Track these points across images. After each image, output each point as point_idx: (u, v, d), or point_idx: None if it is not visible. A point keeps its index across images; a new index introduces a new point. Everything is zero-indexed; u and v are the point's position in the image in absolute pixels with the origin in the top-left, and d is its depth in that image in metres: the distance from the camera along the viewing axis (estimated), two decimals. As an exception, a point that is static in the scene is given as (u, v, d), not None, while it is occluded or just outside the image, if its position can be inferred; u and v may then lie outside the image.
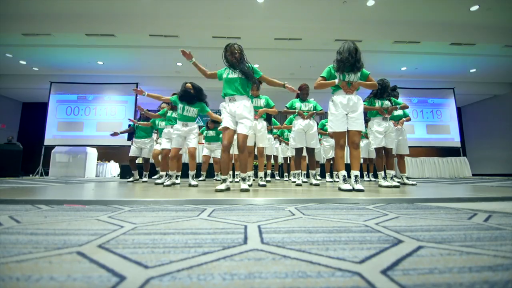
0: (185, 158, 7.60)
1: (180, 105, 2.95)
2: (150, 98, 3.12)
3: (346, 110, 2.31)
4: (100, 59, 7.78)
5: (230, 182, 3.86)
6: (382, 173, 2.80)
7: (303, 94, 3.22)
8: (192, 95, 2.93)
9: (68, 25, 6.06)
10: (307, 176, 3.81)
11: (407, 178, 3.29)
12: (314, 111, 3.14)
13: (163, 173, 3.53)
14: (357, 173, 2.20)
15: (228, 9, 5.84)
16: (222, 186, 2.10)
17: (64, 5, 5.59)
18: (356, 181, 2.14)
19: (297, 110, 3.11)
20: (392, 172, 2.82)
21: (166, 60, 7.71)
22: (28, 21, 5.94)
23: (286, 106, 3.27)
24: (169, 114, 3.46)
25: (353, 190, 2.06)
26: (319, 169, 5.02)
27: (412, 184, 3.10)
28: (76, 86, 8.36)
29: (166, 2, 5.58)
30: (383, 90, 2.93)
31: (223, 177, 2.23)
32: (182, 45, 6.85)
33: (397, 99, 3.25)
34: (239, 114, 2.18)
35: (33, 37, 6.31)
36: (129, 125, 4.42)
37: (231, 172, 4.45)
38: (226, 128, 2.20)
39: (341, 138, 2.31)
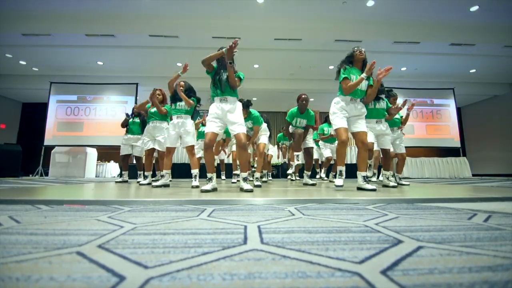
0: (179, 158, 7.63)
1: (172, 105, 2.88)
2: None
3: (350, 114, 2.34)
4: (100, 59, 7.77)
5: (233, 182, 3.85)
6: (387, 173, 2.80)
7: (301, 106, 3.11)
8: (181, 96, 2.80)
9: (68, 25, 6.05)
10: (301, 176, 3.85)
11: (400, 178, 3.30)
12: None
13: (164, 172, 3.45)
14: (365, 174, 2.22)
15: (228, 9, 5.84)
16: (208, 187, 2.08)
17: (64, 5, 5.59)
18: (365, 182, 2.16)
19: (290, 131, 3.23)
20: (389, 173, 2.83)
21: (166, 60, 7.72)
22: (28, 21, 5.94)
23: (286, 119, 3.25)
24: (151, 110, 3.35)
25: (365, 190, 2.08)
26: (325, 169, 5.05)
27: (405, 184, 3.10)
28: (76, 87, 8.35)
29: (166, 2, 5.58)
30: None
31: (209, 175, 2.20)
32: (182, 45, 6.86)
33: (393, 101, 3.21)
34: (231, 117, 2.16)
35: (33, 37, 6.31)
36: (126, 115, 4.32)
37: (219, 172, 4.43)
38: (208, 133, 2.18)
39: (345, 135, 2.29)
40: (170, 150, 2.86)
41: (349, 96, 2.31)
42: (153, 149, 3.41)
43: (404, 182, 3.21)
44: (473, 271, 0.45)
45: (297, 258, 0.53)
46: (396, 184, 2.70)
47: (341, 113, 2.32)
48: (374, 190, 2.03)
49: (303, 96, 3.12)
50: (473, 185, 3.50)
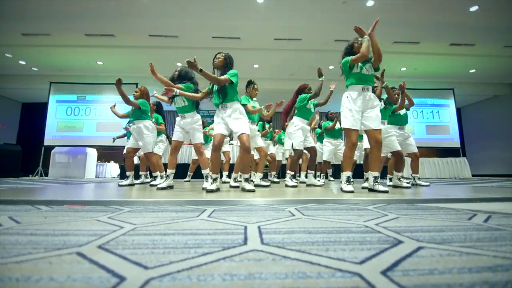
0: (179, 158, 7.59)
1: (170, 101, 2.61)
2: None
3: (362, 108, 2.15)
4: (99, 59, 7.77)
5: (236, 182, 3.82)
6: (399, 174, 2.80)
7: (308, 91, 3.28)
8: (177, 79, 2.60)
9: (67, 25, 6.05)
10: (305, 176, 3.79)
11: (419, 178, 3.27)
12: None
13: (169, 172, 3.25)
14: (377, 174, 2.12)
15: (228, 9, 5.84)
16: (213, 186, 2.10)
17: (64, 5, 5.59)
18: (377, 183, 2.07)
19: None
20: (400, 174, 2.81)
21: (166, 60, 7.71)
22: (28, 21, 5.94)
23: (296, 106, 3.31)
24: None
25: (376, 191, 2.02)
26: (330, 169, 4.97)
27: (424, 185, 3.08)
28: (76, 87, 8.35)
29: (166, 2, 5.58)
30: None
31: (213, 176, 2.21)
32: (182, 45, 6.86)
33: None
34: (233, 122, 2.24)
35: (32, 37, 6.31)
36: (125, 129, 4.30)
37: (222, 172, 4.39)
38: (217, 134, 2.27)
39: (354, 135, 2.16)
40: (177, 145, 2.60)
41: (360, 85, 2.15)
42: (135, 149, 3.33)
43: (422, 183, 3.14)
44: (473, 272, 0.45)
45: (297, 258, 0.53)
46: (409, 185, 2.66)
47: (351, 110, 2.13)
48: (386, 192, 1.95)
49: (308, 86, 3.37)
50: (473, 185, 3.50)
